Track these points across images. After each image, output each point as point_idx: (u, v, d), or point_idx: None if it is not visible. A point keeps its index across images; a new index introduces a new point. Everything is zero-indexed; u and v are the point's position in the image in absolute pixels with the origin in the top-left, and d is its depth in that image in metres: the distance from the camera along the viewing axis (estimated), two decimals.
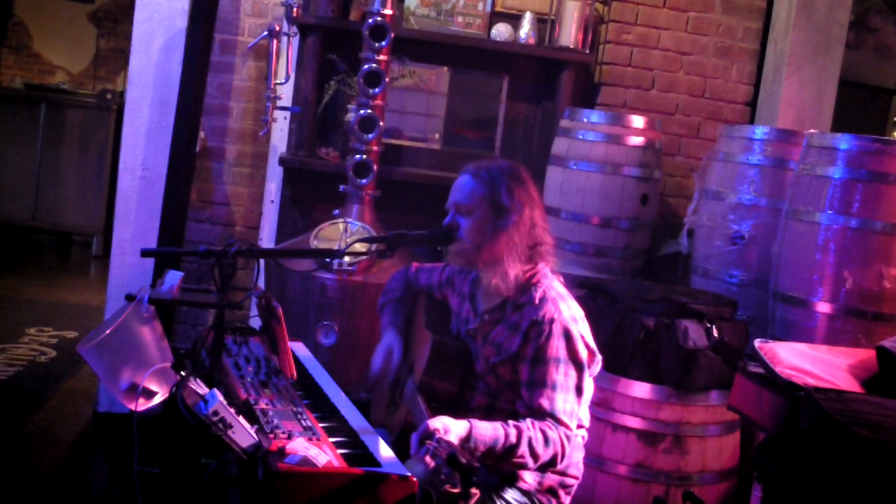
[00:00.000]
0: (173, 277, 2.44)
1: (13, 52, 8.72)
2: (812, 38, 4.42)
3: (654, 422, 3.13)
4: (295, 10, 4.06)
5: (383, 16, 3.73)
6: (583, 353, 2.28)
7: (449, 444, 1.95)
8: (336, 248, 3.59)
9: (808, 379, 2.43)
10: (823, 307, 3.10)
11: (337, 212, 3.84)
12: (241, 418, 1.89)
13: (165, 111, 3.94)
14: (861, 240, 3.04)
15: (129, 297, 2.28)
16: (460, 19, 4.42)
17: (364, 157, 3.81)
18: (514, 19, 4.43)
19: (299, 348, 2.96)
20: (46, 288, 6.32)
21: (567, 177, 4.07)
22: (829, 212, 3.09)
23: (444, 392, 2.40)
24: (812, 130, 3.54)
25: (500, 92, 4.52)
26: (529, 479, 2.35)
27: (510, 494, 2.32)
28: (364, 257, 3.61)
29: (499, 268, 2.33)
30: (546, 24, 4.46)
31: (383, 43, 3.74)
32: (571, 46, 4.37)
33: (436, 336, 2.46)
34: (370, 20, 3.73)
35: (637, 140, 4.04)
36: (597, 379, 2.58)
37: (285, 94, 4.25)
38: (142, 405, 2.13)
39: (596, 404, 3.13)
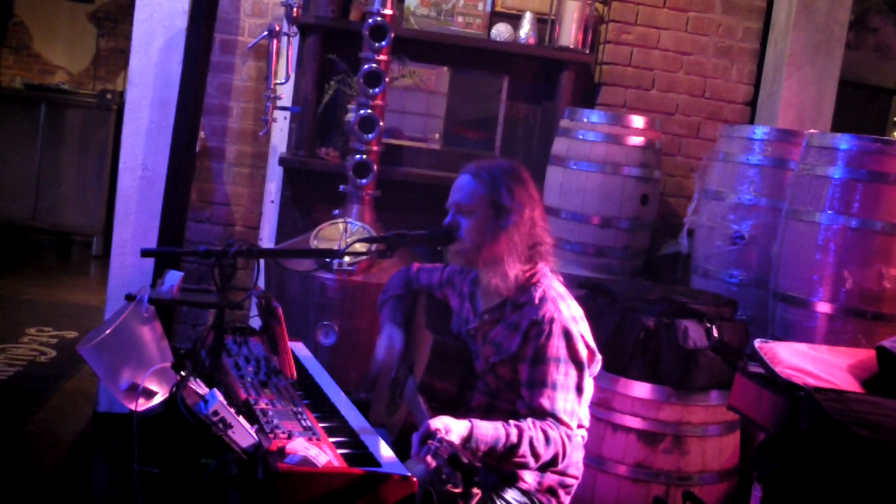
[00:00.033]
0: (173, 277, 2.45)
1: (13, 52, 8.72)
2: (812, 38, 4.42)
3: (654, 422, 3.13)
4: (295, 10, 4.06)
5: (383, 16, 3.73)
6: (583, 353, 2.28)
7: (450, 444, 1.95)
8: (336, 248, 3.59)
9: (808, 379, 2.43)
10: (823, 307, 3.11)
11: (337, 212, 3.84)
12: (241, 418, 1.89)
13: (165, 111, 3.94)
14: (861, 240, 3.04)
15: (129, 297, 2.28)
16: (460, 19, 4.42)
17: (364, 157, 3.81)
18: (514, 19, 4.43)
19: (299, 348, 2.96)
20: (46, 288, 6.32)
21: (567, 177, 4.07)
22: (829, 212, 3.09)
23: (444, 392, 2.40)
24: (812, 130, 3.54)
25: (500, 92, 4.52)
26: (529, 478, 2.35)
27: (510, 494, 2.32)
28: (364, 257, 3.61)
29: (499, 268, 2.33)
30: (546, 24, 4.46)
31: (383, 43, 3.74)
32: (571, 46, 4.37)
33: (436, 336, 2.46)
34: (370, 20, 3.74)
35: (637, 140, 4.04)
36: (597, 379, 2.58)
37: (285, 94, 4.25)
38: (142, 405, 2.13)
39: (596, 404, 3.13)
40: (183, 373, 1.94)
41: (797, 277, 3.18)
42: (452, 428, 2.08)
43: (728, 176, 3.73)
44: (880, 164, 3.03)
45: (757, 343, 2.65)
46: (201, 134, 4.23)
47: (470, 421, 2.13)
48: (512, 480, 2.34)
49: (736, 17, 4.58)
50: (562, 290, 2.38)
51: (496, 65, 4.48)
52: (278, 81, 4.09)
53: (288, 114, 4.31)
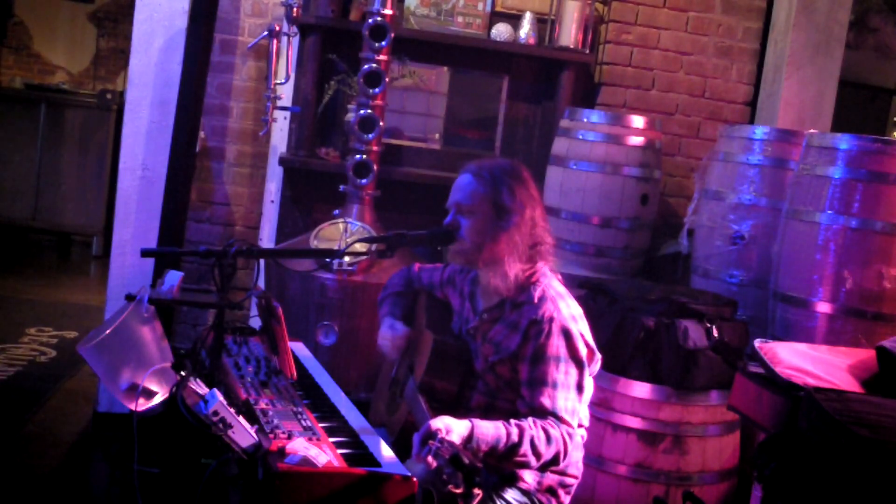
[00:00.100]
0: (173, 277, 2.45)
1: (13, 52, 8.72)
2: (812, 38, 4.42)
3: (654, 422, 3.13)
4: (295, 10, 4.06)
5: (383, 16, 3.73)
6: (582, 352, 2.29)
7: (451, 444, 1.94)
8: (336, 248, 3.59)
9: (808, 379, 2.43)
10: (823, 307, 3.11)
11: (337, 212, 3.84)
12: (241, 418, 1.89)
13: (165, 111, 3.94)
14: (861, 240, 3.04)
15: (129, 297, 2.28)
16: (460, 19, 4.42)
17: (364, 157, 3.81)
18: (514, 19, 4.43)
19: (299, 348, 2.96)
20: (46, 288, 6.32)
21: (567, 177, 4.07)
22: (829, 212, 3.09)
23: (444, 391, 2.40)
24: (812, 130, 3.54)
25: (500, 92, 4.52)
26: (529, 478, 2.35)
27: (510, 494, 2.32)
28: (364, 257, 3.61)
29: (499, 267, 2.33)
30: (546, 24, 4.46)
31: (383, 43, 3.74)
32: (571, 46, 4.37)
33: (436, 336, 2.46)
34: (370, 20, 3.74)
35: (637, 140, 4.04)
36: (597, 379, 2.58)
37: (285, 94, 4.25)
38: (142, 405, 2.13)
39: (596, 404, 3.13)
40: (183, 373, 1.94)
41: (797, 277, 3.18)
42: (453, 428, 2.08)
43: (728, 176, 3.73)
44: (880, 164, 3.03)
45: (757, 343, 2.65)
46: (201, 134, 4.23)
47: (471, 421, 2.13)
48: (512, 480, 2.34)
49: (736, 17, 4.58)
50: (561, 289, 2.38)
51: (496, 65, 4.48)
52: (278, 81, 4.09)
53: (288, 114, 4.31)
